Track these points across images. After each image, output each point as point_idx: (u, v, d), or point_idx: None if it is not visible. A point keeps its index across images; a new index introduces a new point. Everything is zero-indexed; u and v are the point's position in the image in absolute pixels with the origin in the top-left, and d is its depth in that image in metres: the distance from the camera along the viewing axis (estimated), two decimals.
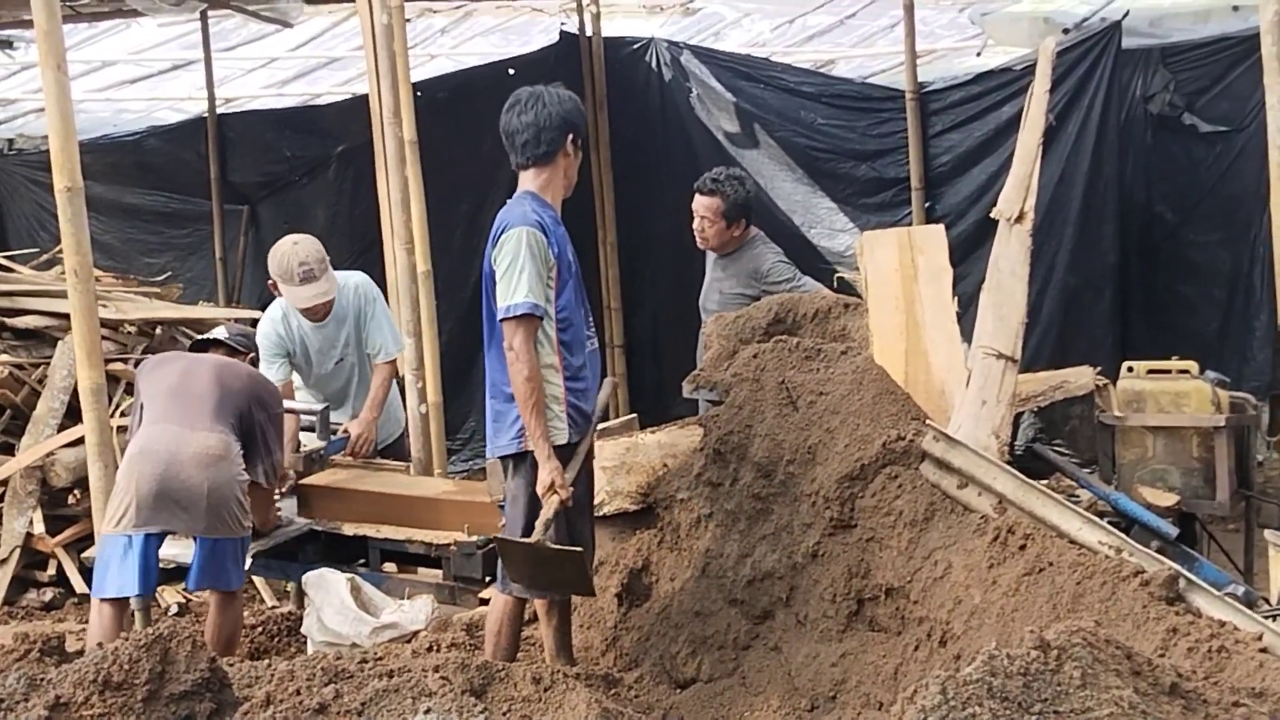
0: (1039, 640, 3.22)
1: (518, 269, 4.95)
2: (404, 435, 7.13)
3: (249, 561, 5.94)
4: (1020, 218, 4.97)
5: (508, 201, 5.20)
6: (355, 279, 6.87)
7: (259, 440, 5.67)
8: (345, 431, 6.50)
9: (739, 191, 7.00)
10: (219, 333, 6.04)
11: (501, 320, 5.00)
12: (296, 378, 6.89)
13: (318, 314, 6.62)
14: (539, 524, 4.95)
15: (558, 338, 5.09)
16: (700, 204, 7.03)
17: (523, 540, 4.99)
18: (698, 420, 5.74)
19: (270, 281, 6.61)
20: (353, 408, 6.81)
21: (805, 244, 9.79)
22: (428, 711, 3.23)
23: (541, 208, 5.11)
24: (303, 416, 6.52)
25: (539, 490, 5.00)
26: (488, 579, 5.70)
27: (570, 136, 5.17)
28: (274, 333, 6.72)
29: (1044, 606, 4.15)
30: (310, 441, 6.44)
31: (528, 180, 5.19)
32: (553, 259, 5.04)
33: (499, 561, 5.16)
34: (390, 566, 6.26)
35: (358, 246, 10.33)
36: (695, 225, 7.08)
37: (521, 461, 5.12)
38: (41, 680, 3.72)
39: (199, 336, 5.87)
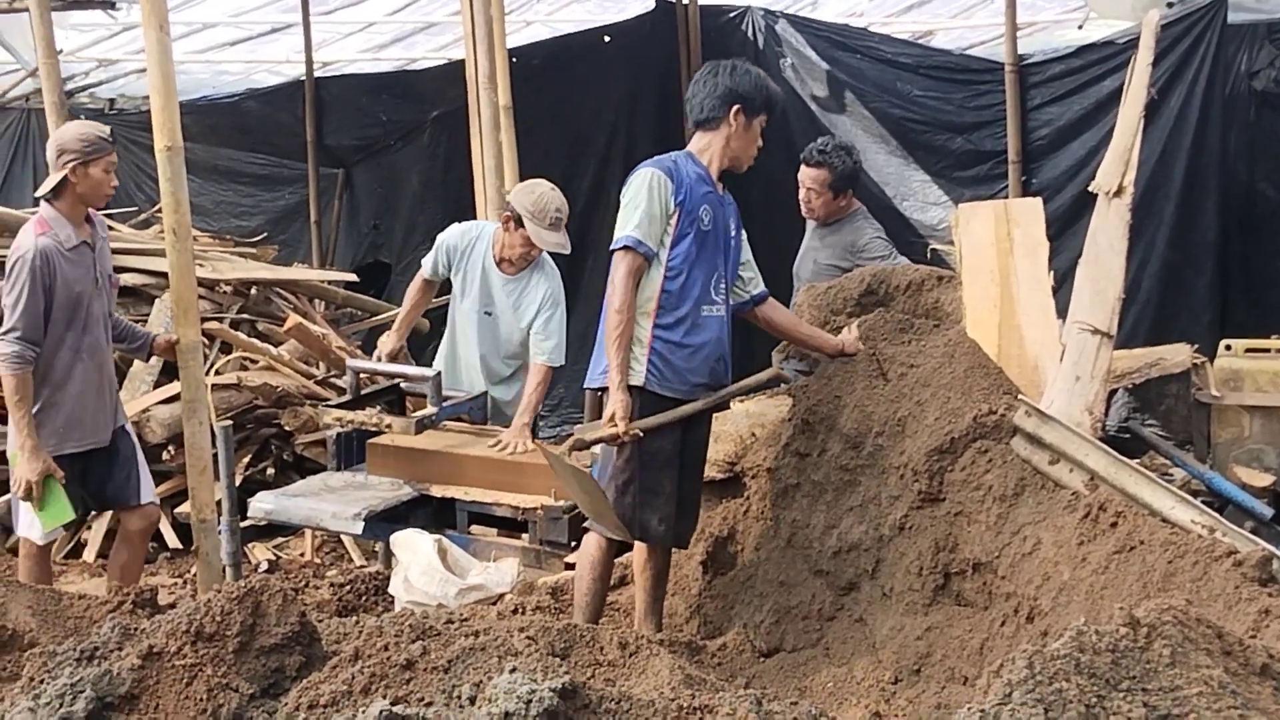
0: (1129, 617, 3.19)
1: (634, 206, 5.16)
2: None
3: (360, 526, 6.01)
4: (1119, 191, 4.91)
5: None
6: (557, 274, 6.88)
7: None
8: (499, 441, 6.42)
9: (846, 163, 6.94)
10: None
11: (610, 252, 5.19)
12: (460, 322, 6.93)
13: (527, 260, 6.67)
14: (573, 437, 5.16)
15: (662, 284, 5.19)
16: (806, 175, 6.97)
17: (549, 448, 5.20)
18: (787, 390, 5.72)
19: (505, 215, 6.64)
20: (469, 360, 6.82)
21: (897, 216, 9.72)
22: (513, 670, 3.25)
23: (690, 162, 5.29)
24: (415, 384, 6.55)
25: (603, 418, 5.12)
26: (573, 544, 5.73)
27: (735, 108, 5.30)
28: (457, 244, 6.80)
29: (1134, 585, 4.10)
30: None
31: (691, 141, 5.41)
32: (673, 206, 5.17)
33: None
34: (480, 529, 6.29)
35: (450, 211, 10.36)
36: (801, 196, 7.03)
37: (606, 397, 5.23)
38: (135, 630, 3.79)
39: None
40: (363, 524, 6.02)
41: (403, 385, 6.70)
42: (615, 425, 5.06)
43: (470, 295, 6.78)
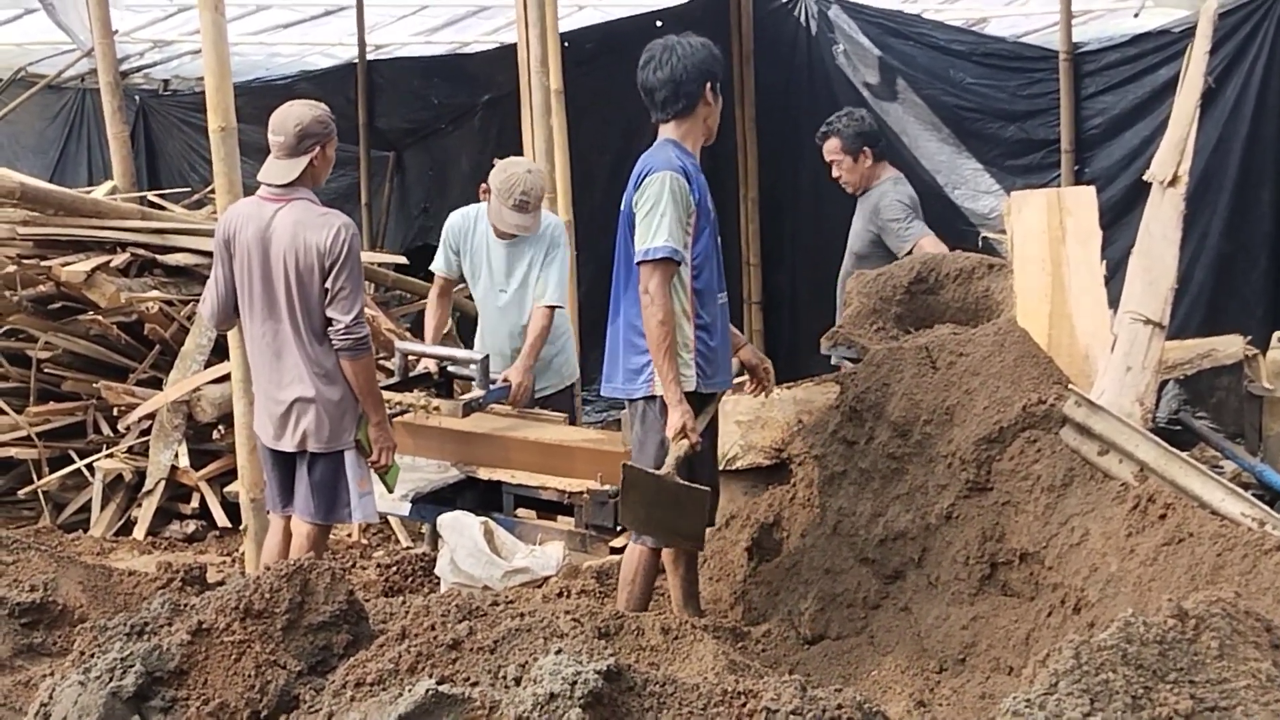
0: (1177, 609, 3.17)
1: (659, 213, 4.96)
2: (572, 389, 7.18)
3: (408, 507, 6.03)
4: (1174, 181, 4.87)
5: (649, 149, 5.21)
6: (554, 219, 6.93)
7: None
8: (505, 380, 6.50)
9: (847, 123, 7.00)
10: None
11: (639, 263, 5.01)
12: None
13: (507, 234, 6.68)
14: (669, 460, 4.96)
15: (691, 285, 5.09)
16: (825, 151, 7.09)
17: (651, 471, 4.99)
18: (834, 377, 5.71)
19: (483, 186, 6.65)
20: (498, 346, 6.82)
21: (948, 204, 9.67)
22: (558, 652, 3.26)
23: (684, 154, 5.12)
24: (464, 366, 6.56)
25: (669, 433, 5.00)
26: (619, 528, 5.73)
27: (709, 85, 5.18)
28: (459, 225, 6.81)
29: (1182, 577, 4.08)
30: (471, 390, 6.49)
31: (669, 131, 5.20)
32: (693, 205, 5.04)
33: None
34: (525, 513, 6.31)
35: None
36: (834, 175, 7.10)
37: (650, 406, 5.14)
38: (185, 606, 3.83)
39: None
40: (410, 505, 6.05)
41: (450, 368, 6.71)
42: (688, 436, 4.97)
43: (482, 277, 6.79)
